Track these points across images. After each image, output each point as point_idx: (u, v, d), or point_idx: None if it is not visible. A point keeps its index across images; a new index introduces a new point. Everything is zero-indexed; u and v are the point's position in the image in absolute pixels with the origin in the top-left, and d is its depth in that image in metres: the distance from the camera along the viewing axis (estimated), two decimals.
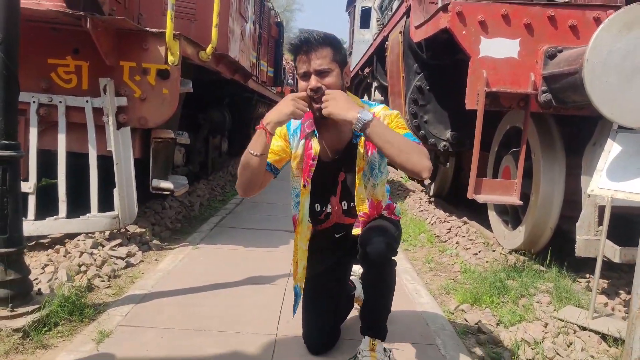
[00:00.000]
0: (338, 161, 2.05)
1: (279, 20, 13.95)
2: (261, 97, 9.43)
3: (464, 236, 4.68)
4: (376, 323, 2.12)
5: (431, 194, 6.80)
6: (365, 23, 13.95)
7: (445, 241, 4.66)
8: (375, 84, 8.49)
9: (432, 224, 5.30)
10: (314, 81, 1.85)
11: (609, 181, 2.65)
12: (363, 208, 2.05)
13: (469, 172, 3.56)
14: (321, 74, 1.85)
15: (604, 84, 2.46)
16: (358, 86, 11.78)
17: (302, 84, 1.90)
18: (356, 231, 2.07)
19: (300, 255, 2.17)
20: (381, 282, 2.04)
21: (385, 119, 1.93)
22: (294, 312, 2.34)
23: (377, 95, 8.43)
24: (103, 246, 3.34)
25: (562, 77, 2.93)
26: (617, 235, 3.18)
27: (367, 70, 9.27)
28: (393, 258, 2.03)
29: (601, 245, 2.77)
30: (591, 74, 2.48)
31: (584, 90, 2.54)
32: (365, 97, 10.13)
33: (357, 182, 2.02)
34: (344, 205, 2.12)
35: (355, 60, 12.57)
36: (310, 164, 2.03)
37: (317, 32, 1.87)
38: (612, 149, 2.72)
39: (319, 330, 2.25)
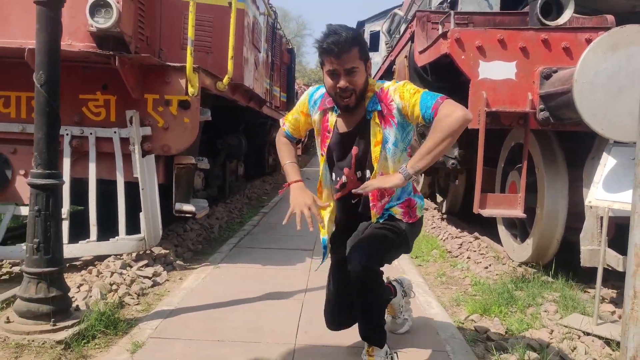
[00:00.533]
0: (352, 133, 2.16)
1: (290, 47, 14.36)
2: (275, 122, 9.73)
3: (475, 251, 4.80)
4: (367, 332, 2.23)
5: (443, 211, 6.93)
6: (374, 46, 14.30)
7: (457, 256, 4.79)
8: None
9: (444, 240, 5.44)
10: (343, 81, 2.00)
11: (605, 192, 2.80)
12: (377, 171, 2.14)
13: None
14: (350, 73, 2.00)
15: (593, 102, 2.65)
16: None
17: (328, 80, 2.04)
18: (373, 214, 2.18)
19: (324, 212, 2.26)
20: (363, 297, 2.13)
21: (395, 93, 2.05)
22: (322, 261, 2.39)
23: None
24: (131, 267, 3.57)
25: (557, 95, 3.11)
26: (622, 244, 3.30)
27: None
28: (377, 273, 2.12)
29: (601, 254, 2.91)
30: (580, 93, 2.67)
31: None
32: None
33: (374, 155, 2.10)
34: (359, 174, 2.21)
35: None
36: (326, 136, 2.20)
37: (346, 32, 1.97)
38: (607, 162, 2.88)
39: (333, 308, 2.40)
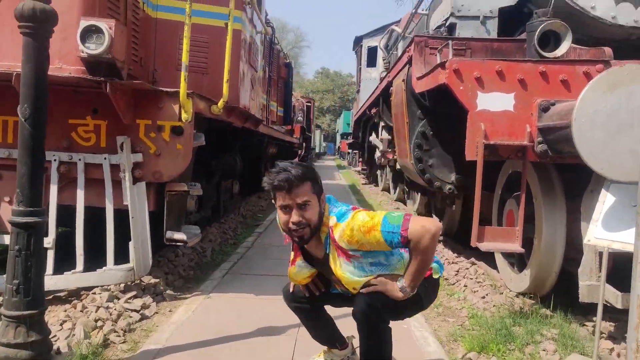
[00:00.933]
0: (322, 268, 2.24)
1: (287, 61, 14.38)
2: (272, 139, 9.68)
3: (471, 278, 4.72)
4: None
5: (440, 233, 6.85)
6: (371, 62, 14.36)
7: (454, 284, 4.71)
8: (382, 123, 8.70)
9: None
10: (296, 216, 2.03)
11: (604, 231, 2.74)
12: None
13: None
14: (302, 207, 2.03)
15: (592, 141, 2.59)
16: (365, 125, 12.03)
17: (282, 216, 2.07)
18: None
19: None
20: (364, 343, 2.14)
21: (342, 240, 2.05)
22: None
23: (384, 134, 8.64)
24: (118, 299, 3.46)
25: (555, 129, 3.06)
26: (621, 279, 3.23)
27: (374, 110, 9.51)
28: (382, 316, 2.11)
29: (600, 292, 2.84)
30: (579, 132, 2.62)
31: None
32: (373, 135, 10.35)
33: (344, 282, 2.16)
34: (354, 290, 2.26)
35: (362, 98, 12.88)
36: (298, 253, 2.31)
37: (296, 170, 2.03)
38: (606, 200, 2.82)
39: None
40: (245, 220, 7.97)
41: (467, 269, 5.00)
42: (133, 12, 4.33)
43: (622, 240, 2.67)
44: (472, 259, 5.23)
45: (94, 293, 3.44)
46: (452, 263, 5.26)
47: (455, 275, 4.89)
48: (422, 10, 7.60)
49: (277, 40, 11.51)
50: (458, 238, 6.52)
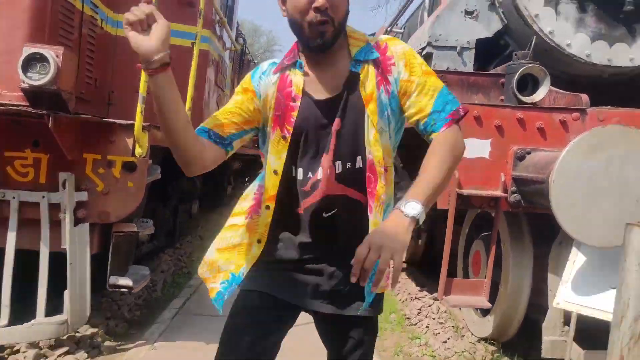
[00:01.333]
0: (333, 101, 1.46)
1: None
2: (235, 155, 9.37)
3: (434, 318, 4.59)
4: None
5: (404, 259, 6.73)
6: None
7: (415, 324, 4.58)
8: None
9: (402, 302, 5.22)
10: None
11: (574, 294, 2.66)
12: (378, 157, 1.45)
13: (441, 245, 3.48)
14: None
15: (569, 205, 2.50)
16: None
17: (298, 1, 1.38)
18: (374, 221, 1.46)
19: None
20: None
21: (401, 58, 1.47)
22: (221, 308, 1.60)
23: None
24: (47, 357, 3.09)
25: (531, 182, 2.96)
26: (585, 336, 3.15)
27: None
28: None
29: (567, 350, 2.75)
30: (556, 193, 2.52)
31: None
32: None
33: (369, 121, 1.44)
34: (338, 167, 1.47)
35: None
36: (291, 107, 1.46)
37: None
38: (577, 259, 2.74)
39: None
40: (202, 242, 7.60)
41: (429, 306, 4.87)
42: (89, 30, 3.97)
43: (592, 306, 2.60)
44: (435, 294, 5.11)
45: (18, 351, 3.05)
46: (415, 299, 5.13)
47: (418, 314, 4.75)
48: (398, 29, 7.54)
49: (248, 50, 11.23)
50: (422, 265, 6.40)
